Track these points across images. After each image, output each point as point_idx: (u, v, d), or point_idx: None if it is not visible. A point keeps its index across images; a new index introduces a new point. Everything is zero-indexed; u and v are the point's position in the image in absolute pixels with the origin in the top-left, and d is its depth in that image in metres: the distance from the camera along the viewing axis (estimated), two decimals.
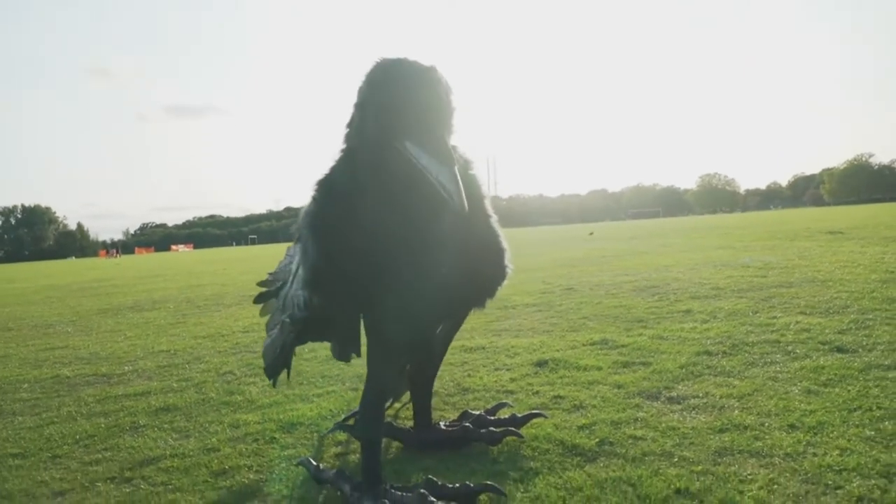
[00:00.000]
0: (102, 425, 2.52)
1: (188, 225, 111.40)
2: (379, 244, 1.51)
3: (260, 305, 2.31)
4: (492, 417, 2.02)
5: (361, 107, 1.51)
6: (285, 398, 2.70)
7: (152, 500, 1.76)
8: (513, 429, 1.93)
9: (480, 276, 1.73)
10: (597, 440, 1.92)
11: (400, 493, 1.56)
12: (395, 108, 1.42)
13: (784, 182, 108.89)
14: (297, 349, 2.12)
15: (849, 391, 2.21)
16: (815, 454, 1.72)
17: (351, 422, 2.09)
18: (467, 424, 1.95)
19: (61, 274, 19.65)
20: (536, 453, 1.87)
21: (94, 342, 4.79)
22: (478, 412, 2.06)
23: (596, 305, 4.62)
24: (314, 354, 3.48)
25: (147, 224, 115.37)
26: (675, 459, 1.75)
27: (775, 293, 4.49)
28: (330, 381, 2.95)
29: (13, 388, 3.36)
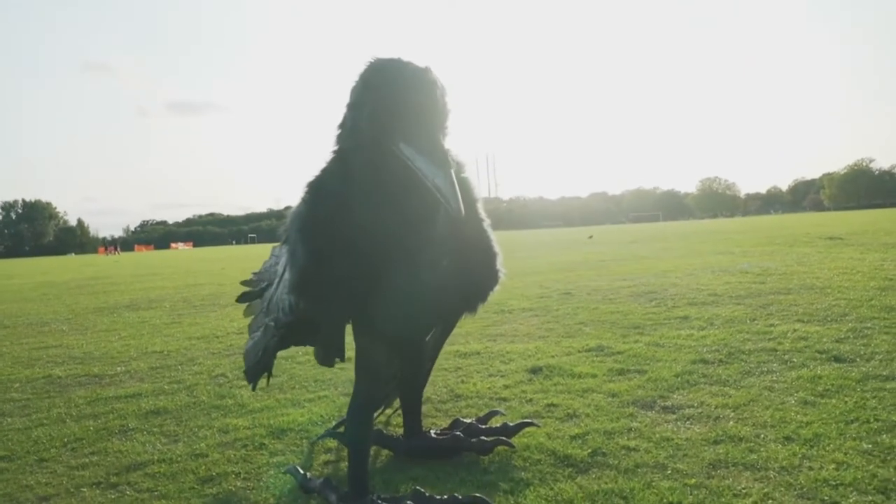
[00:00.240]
0: (91, 428, 2.49)
1: (188, 223, 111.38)
2: (372, 247, 1.48)
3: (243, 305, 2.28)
4: (483, 426, 2.00)
5: (355, 108, 1.48)
6: (277, 403, 2.67)
7: None
8: (504, 438, 1.91)
9: (473, 279, 1.71)
10: (589, 451, 1.89)
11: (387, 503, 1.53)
12: (389, 110, 1.39)
13: (784, 186, 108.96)
14: (291, 352, 2.10)
15: (846, 402, 2.18)
16: (810, 468, 1.69)
17: (341, 429, 2.06)
18: (458, 433, 1.92)
19: (60, 271, 19.62)
20: (528, 464, 1.84)
21: (88, 341, 4.76)
22: (469, 420, 2.04)
23: (593, 311, 4.59)
24: (308, 358, 3.45)
25: (147, 221, 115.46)
26: (669, 472, 1.72)
27: (773, 300, 4.46)
28: (323, 385, 2.93)
29: (4, 388, 3.34)
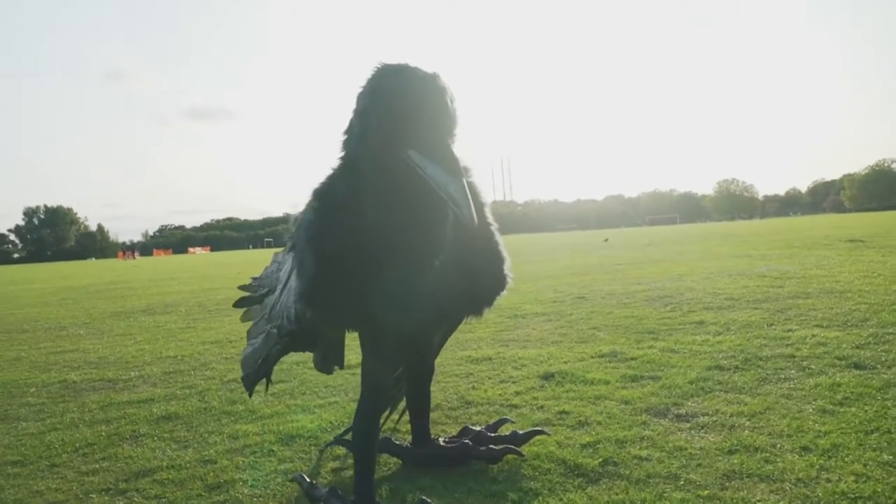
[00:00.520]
0: (103, 433, 2.50)
1: (206, 227, 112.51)
2: (382, 256, 1.47)
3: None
4: (492, 434, 1.97)
5: (362, 114, 1.46)
6: (287, 409, 2.66)
7: None
8: (513, 447, 1.88)
9: (480, 284, 1.69)
10: (600, 460, 1.86)
11: None
12: (398, 117, 1.37)
13: (804, 188, 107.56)
14: (303, 357, 2.09)
15: (866, 411, 2.13)
16: (828, 480, 1.64)
17: (349, 436, 2.05)
18: (467, 441, 1.90)
19: (79, 275, 19.90)
20: (537, 473, 1.81)
21: (104, 346, 4.81)
22: (478, 428, 2.01)
23: (607, 315, 4.54)
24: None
25: (166, 226, 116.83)
26: (681, 482, 1.68)
27: (791, 304, 4.38)
28: (333, 391, 2.92)
29: (21, 392, 3.37)
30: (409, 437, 2.02)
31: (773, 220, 52.14)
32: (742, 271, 6.91)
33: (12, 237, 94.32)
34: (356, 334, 1.64)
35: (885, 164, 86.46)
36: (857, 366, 2.70)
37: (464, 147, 1.50)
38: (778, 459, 1.78)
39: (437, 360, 3.35)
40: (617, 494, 1.64)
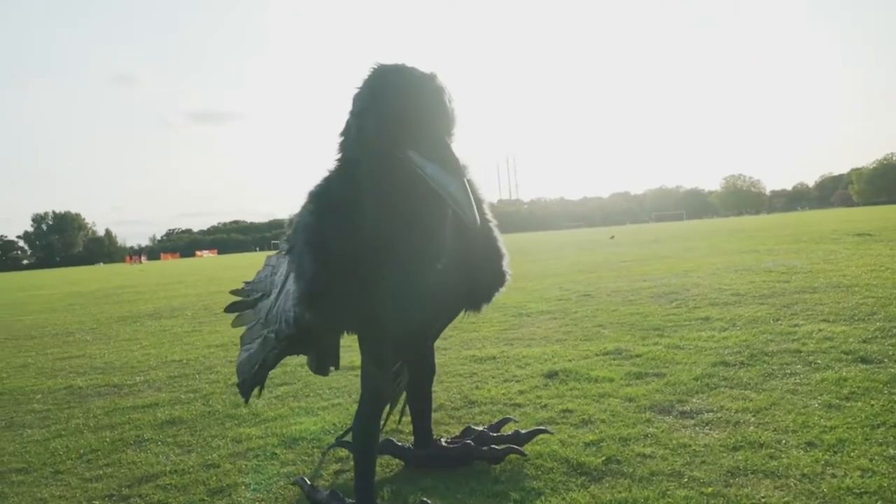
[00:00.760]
0: (107, 439, 2.51)
1: (213, 230, 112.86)
2: (382, 257, 1.46)
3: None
4: (495, 434, 1.96)
5: (360, 115, 1.45)
6: (290, 411, 2.66)
7: None
8: (515, 446, 1.87)
9: (479, 280, 1.68)
10: (604, 458, 1.84)
11: None
12: (397, 117, 1.36)
13: (811, 182, 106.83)
14: (304, 361, 2.08)
15: (872, 406, 2.10)
16: (834, 475, 1.62)
17: (349, 437, 2.04)
18: (469, 441, 1.89)
19: (87, 280, 20.01)
20: (540, 472, 1.80)
21: (110, 351, 4.83)
22: (481, 428, 2.00)
23: (612, 313, 4.52)
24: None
25: (173, 230, 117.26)
26: (685, 480, 1.67)
27: (798, 299, 4.35)
28: (337, 392, 2.91)
29: (27, 399, 3.39)
30: (412, 439, 2.01)
31: (780, 215, 51.87)
32: (748, 267, 6.87)
33: (21, 243, 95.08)
34: (352, 336, 1.63)
35: (893, 158, 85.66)
36: (863, 360, 2.67)
37: (462, 145, 1.50)
38: (783, 455, 1.77)
39: (441, 360, 3.36)
40: (620, 493, 1.62)
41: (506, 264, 1.71)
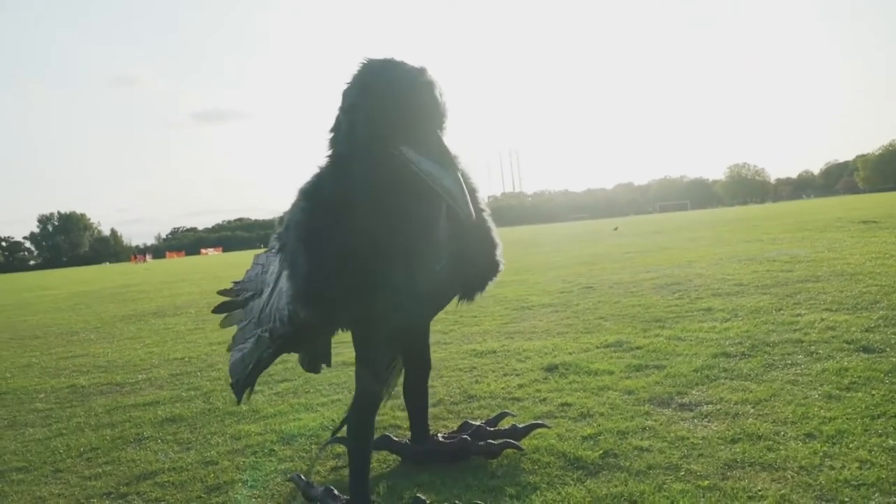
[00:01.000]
0: (108, 437, 2.52)
1: (217, 228, 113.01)
2: (376, 253, 1.45)
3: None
4: (491, 429, 1.95)
5: (350, 111, 1.44)
6: (290, 407, 2.67)
7: None
8: (511, 441, 1.86)
9: (472, 269, 1.68)
10: (601, 452, 1.84)
11: None
12: (388, 113, 1.35)
13: (816, 170, 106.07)
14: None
15: (873, 395, 2.09)
16: (832, 467, 1.61)
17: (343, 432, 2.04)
18: (465, 436, 1.88)
19: (92, 280, 20.10)
20: (536, 466, 1.79)
21: (113, 350, 4.85)
22: (478, 423, 1.99)
23: (614, 305, 4.50)
24: None
25: (178, 228, 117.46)
26: (682, 473, 1.66)
27: (801, 288, 4.32)
28: (337, 388, 2.91)
29: (30, 399, 3.40)
30: (409, 434, 2.01)
31: (785, 204, 51.59)
32: (752, 256, 6.83)
33: (28, 244, 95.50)
34: (347, 332, 1.63)
35: None
36: (865, 349, 2.65)
37: (454, 138, 1.48)
38: (781, 447, 1.75)
39: (442, 355, 3.36)
40: (616, 487, 1.61)
41: (499, 254, 1.70)
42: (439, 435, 1.95)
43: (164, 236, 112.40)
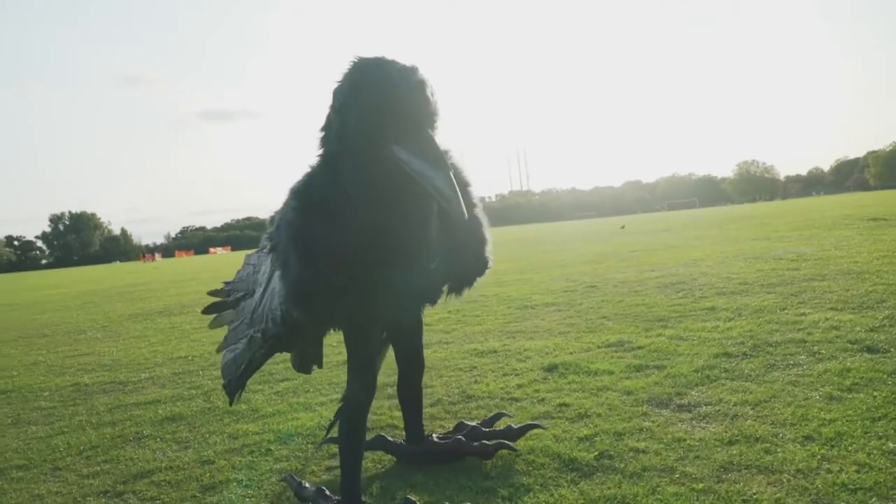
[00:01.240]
0: (108, 435, 2.53)
1: (226, 227, 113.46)
2: (368, 253, 1.45)
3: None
4: (487, 429, 1.94)
5: (341, 110, 1.43)
6: (289, 407, 2.67)
7: None
8: (506, 442, 1.85)
9: (461, 265, 1.67)
10: (596, 453, 1.82)
11: None
12: (379, 112, 1.34)
13: (826, 167, 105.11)
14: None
15: (874, 397, 2.06)
16: (829, 470, 1.59)
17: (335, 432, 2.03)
18: (460, 437, 1.87)
19: (102, 279, 20.25)
20: (531, 468, 1.79)
21: (118, 348, 4.87)
22: (473, 423, 1.98)
23: (617, 304, 4.48)
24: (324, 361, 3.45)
25: (187, 227, 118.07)
26: (677, 475, 1.64)
27: (806, 287, 4.28)
28: (336, 388, 2.91)
29: (34, 397, 3.43)
30: (404, 434, 2.00)
31: (794, 201, 51.12)
32: (758, 254, 6.78)
33: (39, 244, 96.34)
34: (340, 333, 1.62)
35: None
36: (869, 349, 2.62)
37: (448, 136, 1.47)
38: (778, 450, 1.73)
39: (442, 354, 3.35)
40: (609, 489, 1.60)
41: (488, 251, 1.69)
42: (434, 435, 1.95)
43: (173, 235, 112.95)
